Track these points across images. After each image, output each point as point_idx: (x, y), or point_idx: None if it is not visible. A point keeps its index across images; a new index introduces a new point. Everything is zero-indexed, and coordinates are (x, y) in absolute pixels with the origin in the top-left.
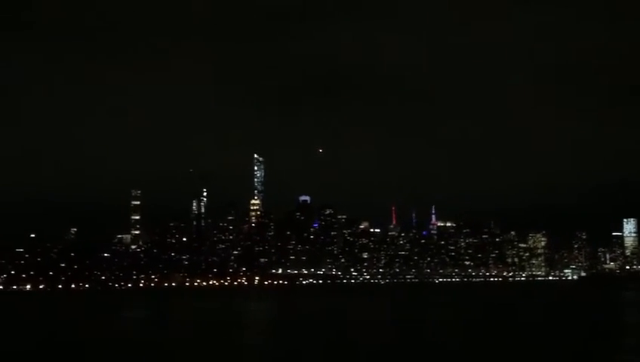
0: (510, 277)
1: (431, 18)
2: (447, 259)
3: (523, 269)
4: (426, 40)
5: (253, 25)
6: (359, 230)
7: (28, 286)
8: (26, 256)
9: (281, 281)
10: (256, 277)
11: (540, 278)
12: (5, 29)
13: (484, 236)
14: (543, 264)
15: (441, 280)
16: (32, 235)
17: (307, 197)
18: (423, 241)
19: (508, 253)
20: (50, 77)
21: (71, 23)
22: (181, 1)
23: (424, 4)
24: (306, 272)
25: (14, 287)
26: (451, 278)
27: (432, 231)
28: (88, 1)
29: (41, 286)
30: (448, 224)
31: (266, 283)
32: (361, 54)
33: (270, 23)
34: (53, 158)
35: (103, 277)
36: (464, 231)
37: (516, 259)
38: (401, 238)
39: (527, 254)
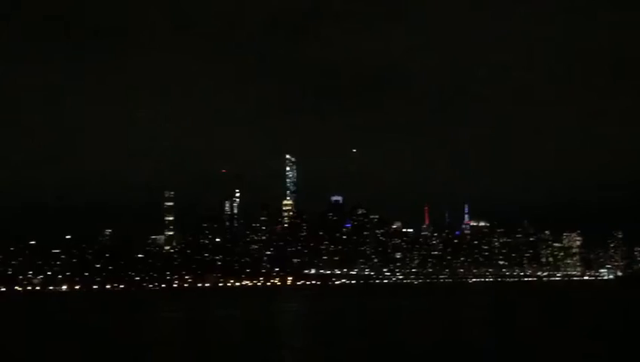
0: (545, 276)
1: (444, 18)
2: (481, 259)
3: (558, 269)
4: (439, 40)
5: (273, 25)
6: (392, 230)
7: (64, 287)
8: (62, 257)
9: (313, 281)
10: (289, 278)
11: (575, 278)
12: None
13: (517, 235)
14: (578, 263)
15: (474, 280)
16: (68, 236)
17: (339, 198)
18: (456, 241)
19: (542, 252)
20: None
21: (88, 22)
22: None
23: (439, 5)
24: (338, 272)
25: (51, 288)
26: (485, 278)
27: (466, 231)
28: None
29: (77, 287)
30: (481, 223)
31: (298, 283)
32: (380, 56)
33: (290, 22)
34: (84, 160)
35: (138, 278)
36: (498, 230)
37: (551, 259)
38: (434, 238)
39: (562, 254)
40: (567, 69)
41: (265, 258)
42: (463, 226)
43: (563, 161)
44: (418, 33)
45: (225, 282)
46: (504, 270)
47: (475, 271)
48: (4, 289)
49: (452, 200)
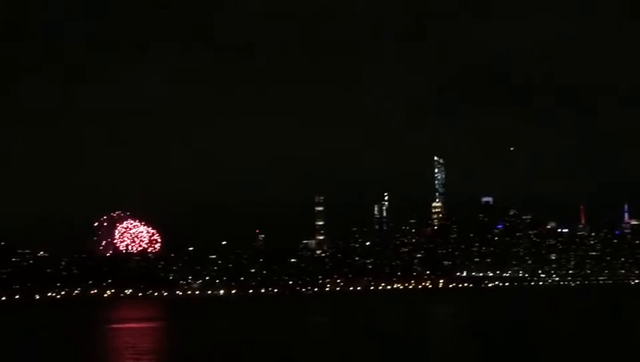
0: None
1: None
2: None
3: None
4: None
5: (417, 25)
6: (546, 230)
7: (221, 292)
8: (219, 262)
9: (465, 284)
10: (441, 280)
11: None
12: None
13: None
14: None
15: (636, 281)
16: (224, 242)
17: (490, 198)
18: (615, 241)
19: None
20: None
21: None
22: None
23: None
24: (491, 274)
25: (209, 292)
26: None
27: (626, 230)
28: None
29: (233, 291)
30: None
31: (450, 285)
32: (528, 54)
33: (435, 22)
34: (234, 166)
35: (291, 282)
36: None
37: None
38: (591, 238)
39: None
40: None
41: (415, 261)
42: (623, 225)
43: None
44: (565, 30)
45: (376, 285)
46: None
47: (637, 271)
48: (166, 293)
49: (610, 199)
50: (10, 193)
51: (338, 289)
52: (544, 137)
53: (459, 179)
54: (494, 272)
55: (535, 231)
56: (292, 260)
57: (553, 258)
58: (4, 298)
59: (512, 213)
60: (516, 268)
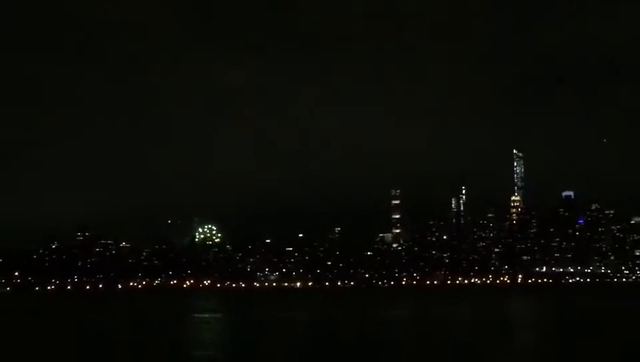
0: None
1: None
2: None
3: None
4: None
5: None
6: (629, 225)
7: (298, 284)
8: (295, 254)
9: (545, 279)
10: (519, 275)
11: None
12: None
13: None
14: None
15: None
16: (300, 235)
17: (571, 193)
18: None
19: None
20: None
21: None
22: None
23: None
24: (571, 270)
25: (285, 284)
26: None
27: None
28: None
29: (309, 284)
30: None
31: (529, 281)
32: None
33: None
34: (310, 162)
35: (367, 275)
36: None
37: None
38: None
39: None
40: None
41: (493, 255)
42: None
43: None
44: None
45: (453, 280)
46: None
47: None
48: (243, 285)
49: None
50: (98, 185)
51: (414, 283)
52: (629, 130)
53: (539, 173)
54: (575, 268)
55: (618, 226)
56: (368, 253)
57: (637, 254)
58: (87, 287)
59: (594, 207)
60: (598, 264)
